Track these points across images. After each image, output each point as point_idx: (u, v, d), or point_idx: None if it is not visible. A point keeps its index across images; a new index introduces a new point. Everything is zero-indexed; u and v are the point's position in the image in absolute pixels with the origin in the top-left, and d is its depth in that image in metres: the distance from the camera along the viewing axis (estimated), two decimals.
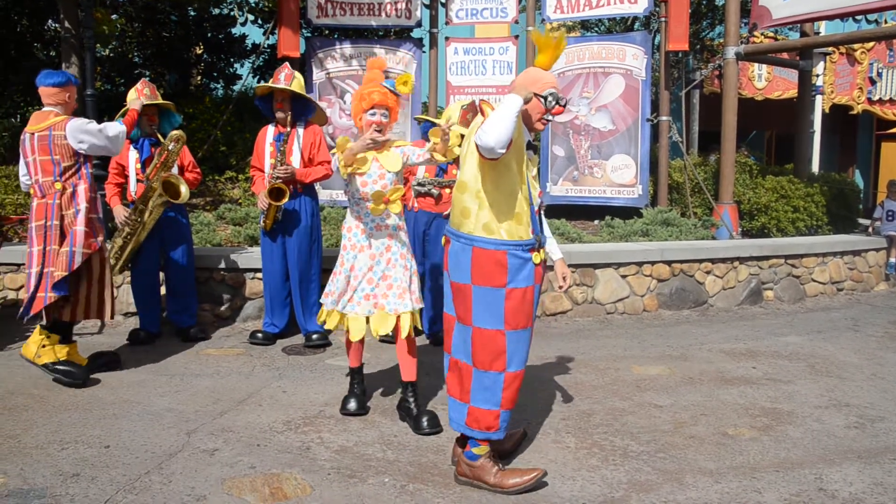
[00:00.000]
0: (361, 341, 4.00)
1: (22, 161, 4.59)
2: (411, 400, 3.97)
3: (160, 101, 5.43)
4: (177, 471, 3.31)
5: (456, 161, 3.81)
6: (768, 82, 14.05)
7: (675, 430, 3.86)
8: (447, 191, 5.33)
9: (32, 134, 4.49)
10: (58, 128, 4.45)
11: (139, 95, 5.29)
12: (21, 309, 4.47)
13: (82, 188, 4.52)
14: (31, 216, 4.50)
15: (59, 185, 4.46)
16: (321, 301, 4.04)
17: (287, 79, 5.27)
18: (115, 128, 4.59)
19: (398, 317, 3.85)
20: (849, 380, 4.82)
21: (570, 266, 6.39)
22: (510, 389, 3.13)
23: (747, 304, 7.12)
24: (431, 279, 5.48)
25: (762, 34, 11.91)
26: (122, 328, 5.88)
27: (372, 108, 3.81)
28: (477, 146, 2.89)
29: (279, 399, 4.32)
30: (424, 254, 5.44)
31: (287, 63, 5.71)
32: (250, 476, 3.27)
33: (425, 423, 3.81)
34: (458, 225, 3.17)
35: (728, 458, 3.54)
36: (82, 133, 4.48)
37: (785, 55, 10.68)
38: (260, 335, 5.53)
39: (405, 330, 3.85)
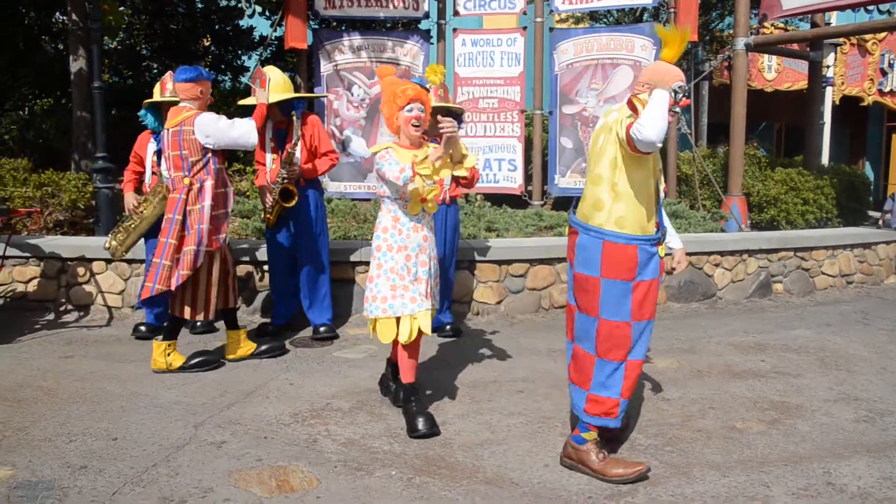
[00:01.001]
0: (414, 346, 3.83)
1: (162, 157, 4.79)
2: (413, 401, 3.82)
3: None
4: (184, 463, 3.32)
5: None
6: (778, 73, 13.95)
7: (683, 424, 3.84)
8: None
9: (167, 130, 4.58)
10: (187, 123, 4.51)
11: (163, 89, 5.28)
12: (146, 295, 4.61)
13: (209, 184, 4.57)
14: (167, 209, 4.62)
15: (186, 181, 4.53)
16: (367, 313, 3.84)
17: (262, 84, 4.97)
18: (245, 124, 4.61)
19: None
20: (858, 373, 4.79)
21: None
22: (630, 379, 3.22)
23: (756, 296, 7.09)
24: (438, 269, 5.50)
25: (772, 25, 11.80)
26: (129, 321, 5.89)
27: (408, 103, 3.69)
28: (632, 140, 2.96)
29: (286, 391, 4.32)
30: None
31: (259, 66, 5.62)
32: (257, 469, 3.28)
33: (421, 425, 3.69)
34: (588, 217, 3.25)
35: (736, 451, 3.52)
36: (210, 128, 4.53)
37: (795, 46, 10.60)
38: (270, 328, 5.53)
39: (415, 331, 3.77)
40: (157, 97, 5.30)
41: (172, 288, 4.52)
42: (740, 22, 8.43)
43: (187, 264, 4.49)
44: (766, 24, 9.68)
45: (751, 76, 12.49)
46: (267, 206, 5.30)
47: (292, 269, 5.49)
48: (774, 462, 3.41)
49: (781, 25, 12.79)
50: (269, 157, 5.32)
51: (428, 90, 3.90)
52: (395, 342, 3.82)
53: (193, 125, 4.51)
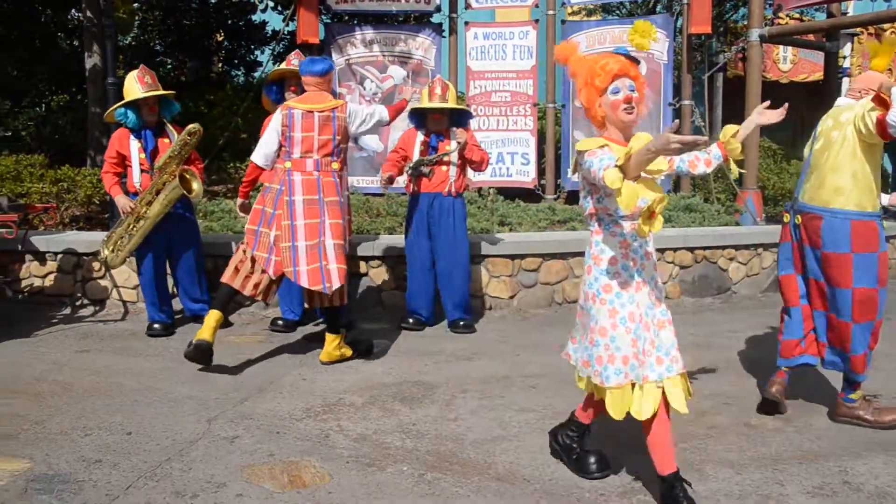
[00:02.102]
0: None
1: (280, 137, 4.63)
2: (680, 492, 2.87)
3: (161, 90, 5.33)
4: (197, 458, 3.34)
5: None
6: (794, 65, 13.81)
7: (697, 420, 3.82)
8: (443, 168, 5.44)
9: (312, 112, 4.58)
10: (341, 110, 4.64)
11: (139, 82, 5.23)
12: (302, 282, 4.54)
13: (345, 173, 4.91)
14: (291, 189, 4.54)
15: (336, 165, 4.66)
16: (601, 380, 2.84)
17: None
18: (382, 110, 4.93)
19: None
20: (878, 369, 4.70)
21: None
22: (877, 333, 3.73)
23: (772, 291, 7.03)
24: (441, 261, 5.51)
25: (787, 15, 11.70)
26: (144, 315, 5.90)
27: (612, 82, 2.81)
28: (887, 127, 3.34)
29: (299, 386, 4.34)
30: (431, 236, 5.47)
31: (297, 50, 5.70)
32: (269, 463, 3.29)
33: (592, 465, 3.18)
34: (828, 202, 3.65)
35: (750, 448, 3.50)
36: (361, 115, 4.75)
37: (811, 37, 10.49)
38: (280, 322, 5.56)
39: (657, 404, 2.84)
40: (134, 94, 5.20)
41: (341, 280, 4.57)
42: (754, 13, 8.34)
43: (342, 257, 4.59)
44: (781, 14, 9.59)
45: (766, 67, 12.37)
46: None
47: None
48: (789, 460, 3.39)
49: (797, 16, 12.66)
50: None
51: (638, 62, 3.04)
52: (592, 400, 3.13)
53: (347, 113, 4.65)
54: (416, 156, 5.45)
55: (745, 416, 3.90)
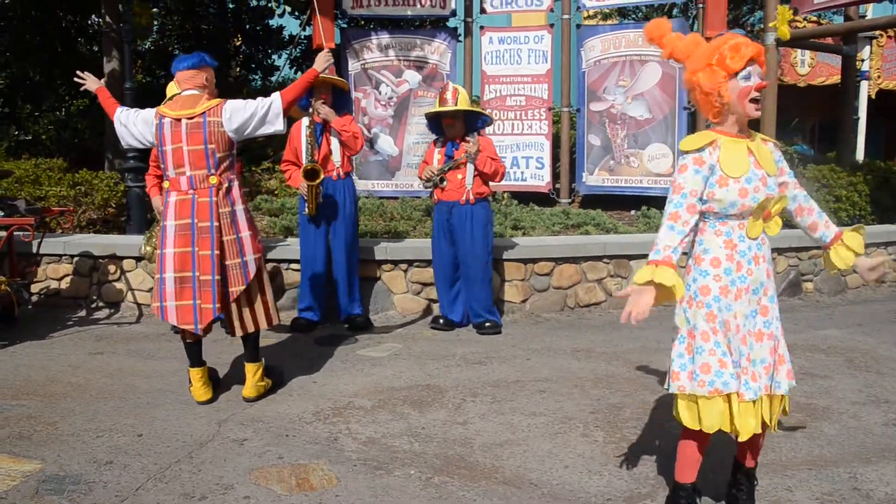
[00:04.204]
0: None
1: (161, 149, 4.02)
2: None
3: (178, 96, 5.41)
4: (206, 460, 3.37)
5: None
6: (811, 68, 13.70)
7: None
8: (458, 176, 5.46)
9: (178, 120, 3.94)
10: (213, 113, 3.94)
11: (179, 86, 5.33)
12: (170, 319, 4.01)
13: (236, 184, 4.07)
14: (166, 212, 3.99)
15: (213, 180, 3.95)
16: (676, 388, 2.66)
17: (330, 71, 5.34)
18: (273, 104, 4.04)
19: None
20: (889, 375, 4.70)
21: (604, 257, 6.36)
22: None
23: (786, 295, 6.99)
24: (462, 266, 5.58)
25: (804, 18, 11.61)
26: (157, 317, 5.97)
27: (745, 66, 2.51)
28: None
29: (309, 389, 4.36)
30: (452, 242, 5.52)
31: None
32: (278, 466, 3.31)
33: None
34: None
35: (759, 454, 3.47)
36: (240, 117, 3.97)
37: (829, 40, 10.40)
38: (301, 322, 5.62)
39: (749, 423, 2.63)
40: (172, 94, 5.31)
41: (227, 306, 4.04)
42: (770, 16, 8.28)
43: (238, 279, 4.01)
44: (797, 17, 9.52)
45: (783, 71, 12.29)
46: (304, 195, 5.45)
47: (326, 262, 5.59)
48: (799, 466, 3.36)
49: (814, 19, 12.56)
50: (305, 154, 5.41)
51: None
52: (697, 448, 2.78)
53: (221, 116, 3.94)
54: (434, 164, 5.54)
55: None
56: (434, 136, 5.75)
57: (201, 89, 4.04)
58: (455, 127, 5.45)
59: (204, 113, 3.93)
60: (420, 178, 5.69)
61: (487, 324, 5.61)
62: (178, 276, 3.92)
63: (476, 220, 5.49)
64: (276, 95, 4.07)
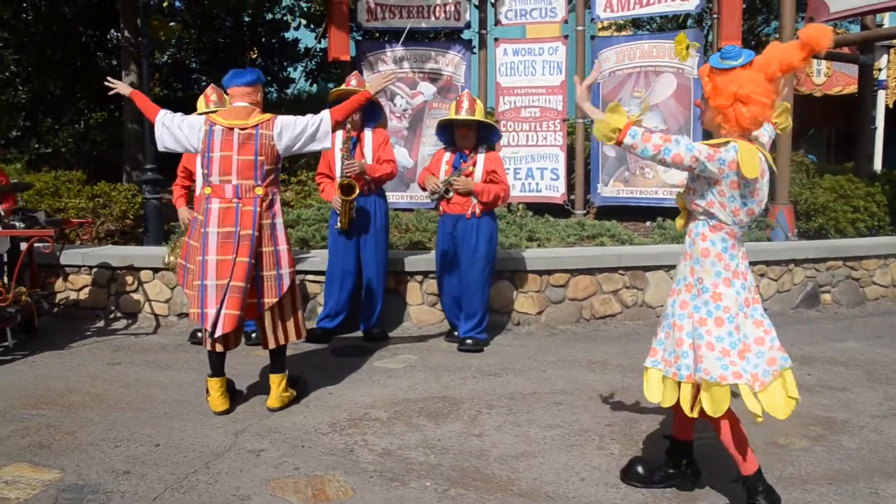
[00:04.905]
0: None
1: (207, 155, 4.05)
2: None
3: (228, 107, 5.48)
4: (223, 470, 3.38)
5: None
6: (828, 77, 13.64)
7: None
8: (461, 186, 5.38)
9: (232, 129, 4.01)
10: (266, 126, 4.03)
11: (207, 102, 5.43)
12: (209, 327, 3.96)
13: (278, 198, 4.16)
14: (208, 219, 4.00)
15: (259, 191, 4.02)
16: (704, 376, 2.87)
17: (360, 84, 5.50)
18: (326, 123, 4.18)
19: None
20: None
21: (620, 269, 6.34)
22: None
23: (803, 307, 6.93)
24: (463, 278, 5.52)
25: None
26: (175, 329, 6.03)
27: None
28: None
29: (325, 400, 4.37)
30: (456, 254, 5.49)
31: (356, 72, 5.81)
32: (294, 477, 3.32)
33: None
34: None
35: (778, 468, 3.45)
36: (291, 133, 4.08)
37: (845, 49, 10.35)
38: (318, 332, 5.64)
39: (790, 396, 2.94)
40: (201, 110, 5.41)
41: (254, 316, 4.10)
42: (786, 26, 8.26)
43: (272, 291, 4.07)
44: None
45: (799, 81, 12.24)
46: (336, 209, 5.48)
47: (352, 273, 5.62)
48: (818, 480, 3.33)
49: (830, 28, 12.50)
50: (339, 167, 5.44)
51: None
52: (681, 415, 3.12)
53: (272, 130, 4.04)
54: (441, 176, 5.46)
55: (773, 434, 3.84)
56: (443, 145, 5.69)
57: (254, 104, 4.13)
58: (468, 137, 5.40)
59: (257, 125, 4.02)
60: (420, 184, 5.62)
61: (469, 340, 5.47)
62: (219, 283, 3.94)
63: (481, 234, 5.41)
64: (325, 114, 4.19)
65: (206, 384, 4.19)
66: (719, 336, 2.88)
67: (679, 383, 2.97)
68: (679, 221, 3.18)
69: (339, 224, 5.48)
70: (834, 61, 12.80)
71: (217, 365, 4.15)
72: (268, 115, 4.09)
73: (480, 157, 5.41)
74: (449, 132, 5.54)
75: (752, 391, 2.85)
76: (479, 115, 5.35)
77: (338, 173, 5.46)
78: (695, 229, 3.02)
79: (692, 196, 2.99)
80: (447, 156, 5.52)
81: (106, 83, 4.64)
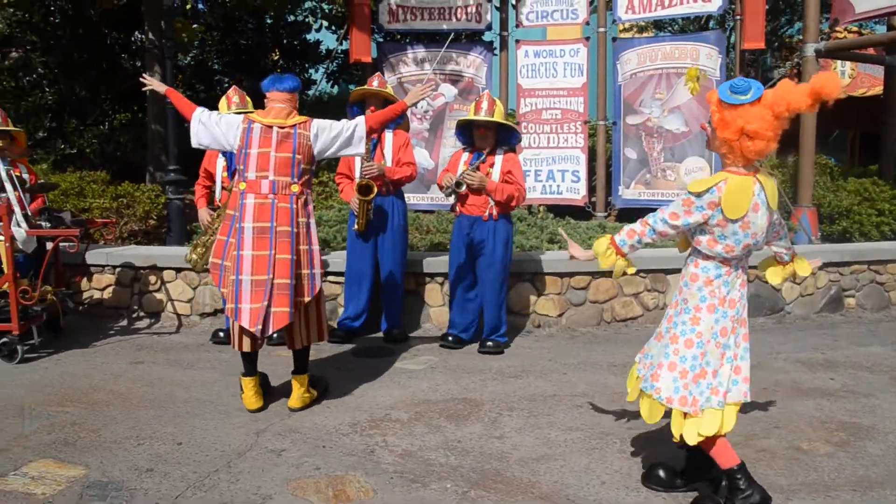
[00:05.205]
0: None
1: (245, 155, 4.08)
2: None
3: (250, 109, 5.52)
4: (244, 469, 3.41)
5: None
6: (852, 79, 13.50)
7: (746, 443, 3.75)
8: (481, 192, 5.35)
9: (271, 127, 4.06)
10: (304, 127, 4.11)
11: (229, 103, 5.46)
12: (245, 323, 3.96)
13: (311, 199, 4.20)
14: (243, 214, 4.01)
15: (295, 188, 4.06)
16: (654, 394, 3.05)
17: (381, 85, 5.52)
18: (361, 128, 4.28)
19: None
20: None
21: (641, 271, 6.31)
22: None
23: (827, 311, 6.86)
24: (480, 283, 5.51)
25: (845, 29, 11.45)
26: (197, 328, 6.08)
27: None
28: None
29: (346, 401, 4.39)
30: (471, 257, 5.48)
31: (378, 73, 5.82)
32: (315, 477, 3.34)
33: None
34: None
35: (801, 473, 3.42)
36: (328, 136, 4.16)
37: (870, 50, 10.23)
38: (340, 333, 5.67)
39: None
40: (223, 112, 5.43)
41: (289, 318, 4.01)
42: (810, 27, 8.19)
43: (307, 290, 4.07)
44: (838, 28, 9.39)
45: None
46: (354, 210, 5.50)
47: (369, 274, 5.63)
48: (842, 486, 3.30)
49: (856, 29, 12.38)
50: (358, 168, 5.47)
51: None
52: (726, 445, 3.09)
53: (309, 130, 4.12)
54: (459, 173, 5.43)
55: (796, 439, 3.81)
56: (461, 145, 5.68)
57: (292, 108, 4.21)
58: (487, 138, 5.37)
59: (295, 125, 4.09)
60: (439, 184, 5.58)
61: (490, 342, 5.48)
62: (255, 279, 3.95)
63: (498, 237, 5.39)
64: (360, 120, 4.28)
65: (240, 382, 4.24)
66: (683, 357, 3.00)
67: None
68: (680, 245, 3.28)
69: (356, 225, 5.51)
70: (859, 62, 12.67)
71: (248, 364, 4.21)
72: (305, 117, 4.16)
73: (498, 159, 5.40)
74: (468, 133, 5.53)
75: (683, 417, 3.03)
76: (498, 117, 5.33)
77: (357, 174, 5.48)
78: (692, 253, 3.12)
79: (689, 233, 3.08)
80: (465, 156, 5.51)
81: (141, 79, 4.72)
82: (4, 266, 5.14)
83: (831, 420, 4.10)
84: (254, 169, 4.05)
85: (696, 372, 2.98)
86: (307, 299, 4.09)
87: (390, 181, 5.50)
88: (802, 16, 8.60)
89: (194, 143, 4.30)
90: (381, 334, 5.78)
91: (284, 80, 4.22)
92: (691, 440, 2.98)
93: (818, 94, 2.77)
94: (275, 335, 5.28)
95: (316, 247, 4.16)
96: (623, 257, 3.20)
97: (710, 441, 3.02)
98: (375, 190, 5.32)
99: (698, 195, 2.90)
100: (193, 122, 4.23)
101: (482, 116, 5.31)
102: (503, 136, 5.47)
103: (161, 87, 4.58)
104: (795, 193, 8.37)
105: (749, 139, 2.84)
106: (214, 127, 4.18)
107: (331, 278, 6.07)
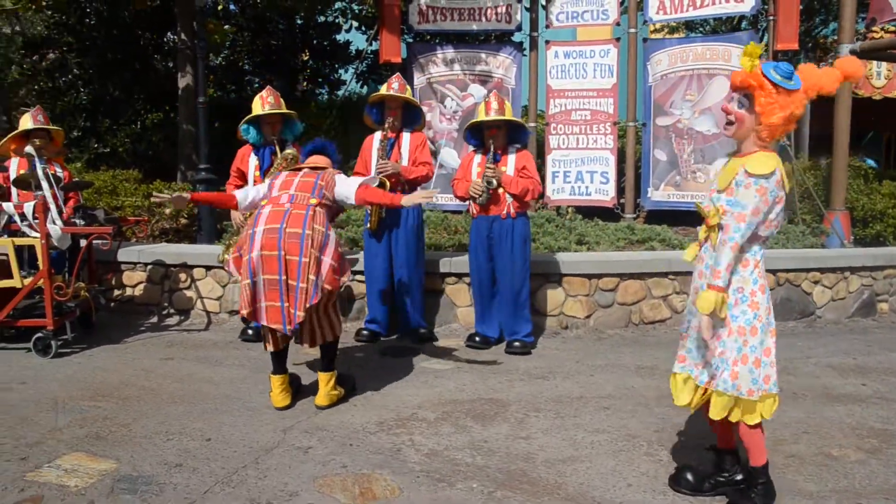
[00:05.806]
0: None
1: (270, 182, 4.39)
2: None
3: (284, 109, 5.57)
4: (272, 466, 3.44)
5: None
6: (888, 80, 13.20)
7: (775, 448, 3.70)
8: (499, 190, 5.33)
9: (298, 170, 4.41)
10: (327, 177, 4.30)
11: (263, 103, 5.49)
12: (267, 321, 4.06)
13: (332, 227, 4.29)
14: (257, 220, 4.11)
15: (314, 201, 4.16)
16: (762, 389, 3.00)
17: (401, 88, 5.51)
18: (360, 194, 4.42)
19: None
20: None
21: (670, 274, 6.26)
22: None
23: (859, 316, 6.75)
24: (500, 283, 5.50)
25: (882, 29, 11.24)
26: (226, 325, 6.15)
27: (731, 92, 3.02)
28: None
29: (373, 400, 4.41)
30: (491, 258, 5.46)
31: (398, 73, 5.84)
32: (341, 475, 3.36)
33: None
34: None
35: (831, 480, 3.37)
36: (345, 190, 4.32)
37: None
38: (366, 333, 5.70)
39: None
40: (257, 111, 5.49)
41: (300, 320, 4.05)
42: (845, 28, 8.06)
43: (307, 297, 4.01)
44: (875, 28, 9.24)
45: (857, 84, 11.90)
46: (368, 210, 5.55)
47: (385, 273, 5.65)
48: (874, 494, 3.24)
49: (892, 29, 12.15)
50: (374, 168, 5.49)
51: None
52: (722, 425, 3.17)
53: (335, 181, 4.31)
54: (473, 178, 5.41)
55: (826, 445, 3.75)
56: (472, 147, 5.64)
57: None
58: (498, 137, 5.35)
59: (319, 171, 4.37)
60: (457, 195, 5.55)
61: (517, 343, 5.48)
62: (267, 278, 3.98)
63: (517, 235, 5.39)
64: (356, 186, 4.34)
65: (270, 380, 4.29)
66: (753, 346, 2.96)
67: (697, 387, 3.11)
68: (691, 252, 3.19)
69: (368, 224, 5.54)
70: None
71: (277, 362, 4.26)
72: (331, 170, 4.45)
73: (511, 157, 5.40)
74: (479, 135, 5.52)
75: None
76: (508, 115, 5.33)
77: (372, 173, 5.49)
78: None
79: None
80: (478, 158, 5.49)
81: (153, 199, 4.56)
82: (39, 262, 5.24)
83: (862, 426, 4.03)
84: (277, 189, 4.27)
85: (761, 355, 2.97)
86: (306, 306, 4.01)
87: (406, 181, 5.50)
88: (838, 16, 8.48)
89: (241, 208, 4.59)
90: (407, 334, 5.79)
91: (324, 148, 4.65)
92: (752, 421, 3.01)
93: (849, 77, 2.87)
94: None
95: (327, 259, 4.08)
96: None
97: (755, 432, 3.04)
98: (388, 188, 5.32)
99: (766, 177, 2.83)
100: (240, 201, 4.48)
101: (492, 116, 5.30)
102: (513, 136, 5.47)
103: (182, 204, 4.52)
104: (828, 196, 8.25)
105: (791, 123, 2.88)
106: (253, 193, 4.45)
107: (359, 278, 6.10)
